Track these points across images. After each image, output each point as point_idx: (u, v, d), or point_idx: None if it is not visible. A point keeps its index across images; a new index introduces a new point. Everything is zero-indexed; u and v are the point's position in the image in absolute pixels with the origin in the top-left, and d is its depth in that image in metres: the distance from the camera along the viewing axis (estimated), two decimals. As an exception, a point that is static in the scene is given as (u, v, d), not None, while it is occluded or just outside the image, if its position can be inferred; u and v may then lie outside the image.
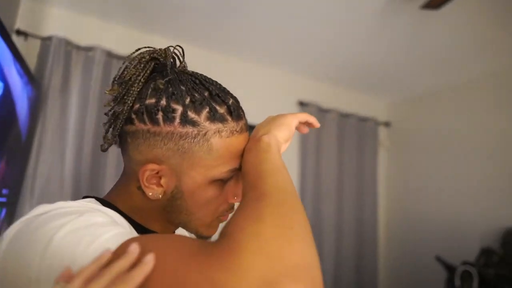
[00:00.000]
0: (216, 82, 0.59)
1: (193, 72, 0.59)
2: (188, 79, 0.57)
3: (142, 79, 0.56)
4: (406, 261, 2.94)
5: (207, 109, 0.54)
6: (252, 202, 0.45)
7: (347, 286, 2.83)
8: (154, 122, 0.53)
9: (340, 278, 2.82)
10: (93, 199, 0.58)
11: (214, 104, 0.55)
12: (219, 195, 0.59)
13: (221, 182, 0.58)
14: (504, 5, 1.86)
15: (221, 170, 0.56)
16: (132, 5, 2.08)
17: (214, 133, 0.54)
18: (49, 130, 1.98)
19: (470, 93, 2.72)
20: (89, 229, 0.43)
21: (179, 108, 0.53)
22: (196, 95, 0.55)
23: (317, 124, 0.73)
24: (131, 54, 0.58)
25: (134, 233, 0.50)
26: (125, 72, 0.56)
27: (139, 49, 0.59)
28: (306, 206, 2.74)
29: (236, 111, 0.57)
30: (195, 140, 0.54)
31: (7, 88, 1.39)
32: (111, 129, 0.58)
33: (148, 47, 0.59)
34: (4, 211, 1.65)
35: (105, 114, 0.59)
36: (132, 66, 0.56)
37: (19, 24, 1.98)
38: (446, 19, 1.97)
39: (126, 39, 2.31)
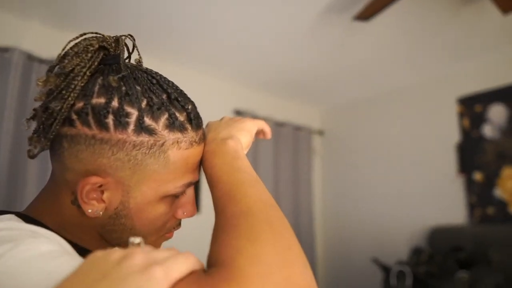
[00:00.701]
0: (174, 84, 0.51)
1: (147, 69, 0.51)
2: (144, 78, 0.48)
3: (87, 72, 0.46)
4: (343, 264, 3.04)
5: (166, 116, 0.46)
6: (239, 218, 0.41)
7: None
8: (102, 126, 0.44)
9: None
10: (13, 216, 0.47)
11: (173, 110, 0.47)
12: (169, 211, 0.52)
13: (173, 197, 0.51)
14: (422, 24, 2.03)
15: (176, 184, 0.49)
16: (53, 1, 1.92)
17: (173, 143, 0.47)
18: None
19: (398, 101, 2.92)
20: (36, 262, 0.34)
21: (134, 113, 0.44)
22: (154, 98, 0.46)
23: (269, 135, 0.68)
24: (74, 38, 0.48)
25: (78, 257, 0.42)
26: (66, 61, 0.45)
27: (84, 33, 0.49)
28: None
29: (196, 119, 0.50)
30: (150, 151, 0.45)
31: None
32: (41, 130, 0.46)
33: (96, 33, 0.49)
34: None
35: (34, 110, 0.48)
36: (74, 53, 0.46)
37: None
38: (375, 32, 2.09)
39: (47, 40, 2.12)
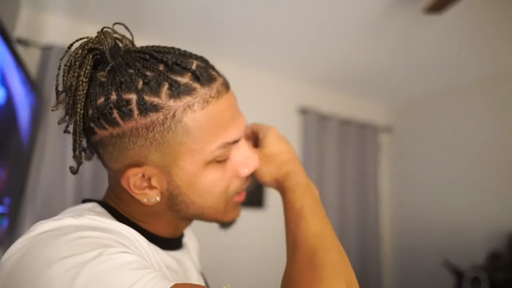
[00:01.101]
0: (173, 48, 0.48)
1: (142, 47, 0.49)
2: (136, 58, 0.46)
3: (84, 79, 0.46)
4: (411, 268, 2.92)
5: (166, 86, 0.44)
6: (320, 272, 0.42)
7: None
8: (113, 123, 0.44)
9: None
10: (96, 205, 0.51)
11: (173, 77, 0.45)
12: (223, 175, 0.51)
13: (218, 163, 0.50)
14: (497, 12, 1.87)
15: (211, 149, 0.47)
16: (132, 11, 2.07)
17: (184, 110, 0.44)
18: (50, 139, 1.96)
19: (472, 94, 2.72)
20: (117, 274, 0.37)
21: (133, 97, 0.44)
22: (149, 73, 0.44)
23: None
24: (64, 53, 0.49)
25: (152, 257, 0.47)
26: (64, 78, 0.46)
27: (71, 45, 0.49)
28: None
29: (204, 74, 0.47)
30: (165, 126, 0.44)
31: (9, 95, 1.37)
32: (77, 146, 0.49)
33: (81, 38, 0.48)
34: (5, 222, 1.62)
35: (65, 132, 0.50)
36: (67, 68, 0.46)
37: (19, 32, 1.97)
38: (445, 23, 1.98)
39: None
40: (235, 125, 0.50)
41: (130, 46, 0.51)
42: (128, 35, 0.53)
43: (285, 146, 0.59)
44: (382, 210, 3.16)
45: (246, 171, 0.54)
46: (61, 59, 0.49)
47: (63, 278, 0.35)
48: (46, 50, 2.01)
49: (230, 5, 1.94)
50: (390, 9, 1.89)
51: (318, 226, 0.48)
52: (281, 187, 0.55)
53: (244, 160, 0.53)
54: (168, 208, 0.51)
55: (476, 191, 2.58)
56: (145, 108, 0.43)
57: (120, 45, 0.49)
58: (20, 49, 1.94)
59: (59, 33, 2.09)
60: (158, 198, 0.48)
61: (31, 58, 1.98)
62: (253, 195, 2.59)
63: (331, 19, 2.04)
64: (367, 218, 3.02)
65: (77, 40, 0.48)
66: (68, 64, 0.46)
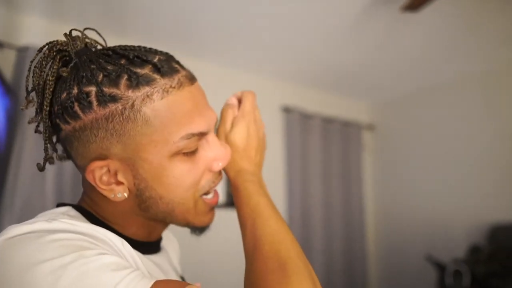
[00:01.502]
0: (139, 46, 0.48)
1: (109, 46, 0.49)
2: (99, 55, 0.47)
3: (51, 78, 0.46)
4: (395, 261, 2.96)
5: (125, 77, 0.44)
6: (286, 278, 0.41)
7: (339, 285, 2.82)
8: (74, 116, 0.45)
9: (331, 282, 2.81)
10: (70, 208, 0.50)
11: (132, 69, 0.45)
12: (192, 168, 0.49)
13: (185, 155, 0.48)
14: (475, 10, 1.91)
15: (174, 139, 0.46)
16: (109, 10, 2.04)
17: (143, 100, 0.44)
18: (28, 142, 1.91)
19: (453, 92, 2.78)
20: (98, 276, 0.36)
21: (92, 89, 0.44)
22: (110, 67, 0.45)
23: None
24: (35, 55, 0.49)
25: (130, 259, 0.46)
26: (33, 79, 0.47)
27: (42, 47, 0.49)
28: (294, 213, 2.73)
29: (165, 66, 0.46)
30: (124, 117, 0.44)
31: (-17, 98, 1.33)
32: (46, 144, 0.49)
33: (52, 41, 0.49)
34: (-19, 228, 1.58)
35: (36, 131, 0.51)
36: (36, 69, 0.47)
37: (-6, 33, 1.92)
38: (423, 22, 2.01)
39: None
40: (201, 117, 0.49)
41: (91, 41, 0.51)
42: (100, 40, 0.53)
43: (249, 140, 0.58)
44: (367, 207, 3.19)
45: (219, 165, 0.53)
46: (31, 61, 0.49)
47: (44, 283, 0.35)
48: (22, 51, 1.96)
49: (213, 6, 1.93)
50: (369, 8, 1.91)
51: (276, 225, 0.47)
52: (234, 183, 0.55)
53: (216, 154, 0.52)
54: (138, 206, 0.50)
55: (457, 186, 2.63)
56: (104, 100, 0.44)
57: (92, 49, 0.49)
58: (-7, 51, 1.89)
59: (35, 34, 2.04)
60: (125, 194, 0.47)
61: (6, 60, 1.93)
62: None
63: (311, 20, 2.05)
64: (352, 215, 3.04)
65: (47, 44, 0.48)
66: (37, 65, 0.47)
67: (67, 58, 0.48)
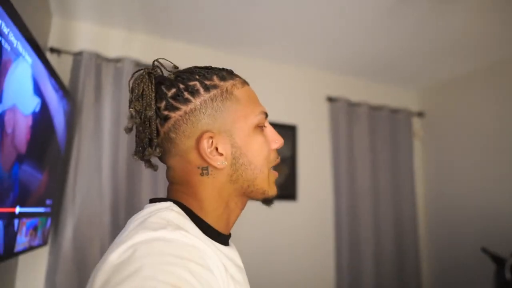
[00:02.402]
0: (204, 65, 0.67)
1: (183, 68, 0.68)
2: (183, 70, 0.66)
3: (152, 87, 0.62)
4: (449, 254, 2.83)
5: (215, 75, 0.64)
6: None
7: (389, 284, 2.76)
8: (186, 101, 0.61)
9: (381, 276, 2.75)
10: (171, 204, 0.60)
11: (216, 71, 0.65)
12: (264, 140, 0.66)
13: (260, 128, 0.66)
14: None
15: (255, 114, 0.65)
16: (153, 14, 2.12)
17: (232, 86, 0.64)
18: (85, 142, 2.05)
19: (504, 74, 2.59)
20: None
21: (196, 83, 0.62)
22: (201, 72, 0.64)
23: None
24: (130, 79, 0.66)
25: (219, 262, 0.55)
26: (136, 90, 0.62)
27: (133, 74, 0.67)
28: (341, 204, 2.70)
29: (232, 72, 0.67)
30: (223, 97, 0.62)
31: (44, 103, 1.45)
32: (149, 140, 0.63)
33: (138, 70, 0.66)
34: (49, 221, 1.72)
35: (126, 130, 0.65)
36: (138, 83, 0.63)
37: (51, 41, 2.07)
38: (467, 2, 1.88)
39: (151, 48, 2.36)
40: (261, 104, 0.68)
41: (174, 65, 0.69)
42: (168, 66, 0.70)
43: None
44: (417, 196, 3.08)
45: (277, 143, 0.68)
46: (129, 81, 0.66)
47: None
48: (77, 56, 2.09)
49: (253, 5, 1.95)
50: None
51: None
52: None
53: (273, 136, 0.69)
54: (229, 178, 0.63)
55: (516, 175, 2.46)
56: (207, 87, 0.62)
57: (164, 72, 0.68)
58: (53, 58, 2.03)
59: (87, 40, 2.17)
60: (225, 162, 0.61)
61: (64, 65, 2.07)
62: (287, 188, 2.60)
63: (351, 8, 2.00)
64: (402, 205, 2.95)
65: (137, 71, 0.67)
66: (137, 81, 0.63)
67: (155, 78, 0.64)
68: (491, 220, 2.53)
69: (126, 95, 2.15)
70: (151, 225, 0.52)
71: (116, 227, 2.04)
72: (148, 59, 2.28)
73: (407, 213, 2.95)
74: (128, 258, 0.46)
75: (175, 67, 0.68)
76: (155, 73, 0.64)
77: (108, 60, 2.17)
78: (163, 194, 2.17)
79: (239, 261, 0.67)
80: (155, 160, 0.68)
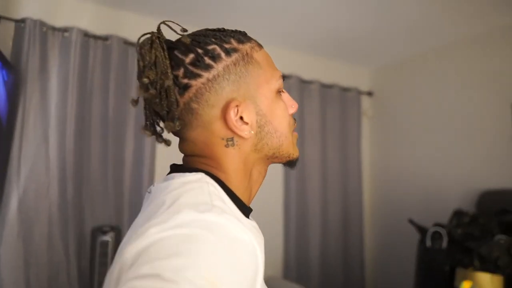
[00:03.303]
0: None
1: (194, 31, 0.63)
2: (196, 33, 0.61)
3: (165, 53, 0.56)
4: (389, 225, 3.06)
5: (232, 38, 0.60)
6: None
7: (335, 249, 2.95)
8: (207, 67, 0.57)
9: (328, 244, 2.93)
10: (203, 175, 0.57)
11: (233, 34, 0.61)
12: (285, 106, 0.64)
13: (279, 93, 0.64)
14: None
15: (276, 78, 0.63)
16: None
17: (251, 49, 0.61)
18: (31, 113, 2.00)
19: (450, 57, 2.75)
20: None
21: (216, 47, 0.58)
22: (216, 33, 0.60)
23: None
24: (137, 42, 0.58)
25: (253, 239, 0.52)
26: (147, 57, 0.56)
27: (139, 38, 0.59)
28: (291, 178, 2.82)
29: (246, 34, 0.64)
30: (245, 61, 0.59)
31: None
32: (167, 113, 0.57)
33: (143, 34, 0.59)
34: (-10, 194, 1.71)
35: (133, 102, 0.61)
36: (147, 49, 0.56)
37: (-9, 7, 1.97)
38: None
39: (101, 18, 2.30)
40: (277, 70, 0.66)
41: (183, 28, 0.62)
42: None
43: None
44: (364, 171, 3.26)
45: (293, 108, 0.66)
46: (136, 46, 0.58)
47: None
48: (20, 23, 2.01)
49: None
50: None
51: None
52: None
53: (290, 102, 0.66)
54: (254, 147, 0.60)
55: (452, 152, 2.67)
56: (228, 51, 0.58)
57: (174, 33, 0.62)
58: (-7, 24, 1.95)
59: (31, 6, 2.09)
60: (252, 132, 0.59)
61: (4, 33, 1.99)
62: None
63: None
64: (349, 179, 3.11)
65: (145, 34, 0.59)
66: (145, 47, 0.56)
67: (164, 42, 0.58)
68: (430, 195, 2.74)
69: (74, 67, 2.11)
70: (195, 204, 0.50)
71: (64, 199, 2.05)
72: (98, 30, 2.23)
73: (353, 188, 3.13)
74: (169, 238, 0.44)
75: (184, 30, 0.61)
76: (162, 37, 0.58)
77: (55, 29, 2.10)
78: (111, 164, 2.19)
79: (261, 236, 0.64)
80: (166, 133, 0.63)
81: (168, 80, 0.55)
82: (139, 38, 0.58)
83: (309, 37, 2.75)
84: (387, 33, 2.64)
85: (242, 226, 0.51)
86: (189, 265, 0.41)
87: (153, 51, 0.55)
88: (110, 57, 2.24)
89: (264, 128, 0.60)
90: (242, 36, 0.62)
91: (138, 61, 0.56)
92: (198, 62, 0.56)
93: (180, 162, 0.68)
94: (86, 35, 2.17)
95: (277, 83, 0.62)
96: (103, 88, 2.22)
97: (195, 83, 0.56)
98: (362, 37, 2.70)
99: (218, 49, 0.57)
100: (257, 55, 0.61)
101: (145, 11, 2.37)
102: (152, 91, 0.55)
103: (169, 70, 0.55)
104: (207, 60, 0.56)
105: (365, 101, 3.33)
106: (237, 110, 0.57)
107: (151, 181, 2.28)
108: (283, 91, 0.65)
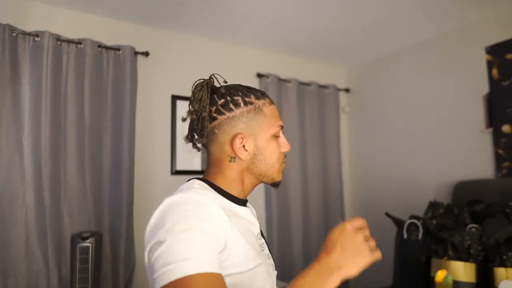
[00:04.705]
0: (244, 85, 0.92)
1: (231, 84, 0.92)
2: (232, 85, 0.90)
3: (208, 94, 0.86)
4: (369, 217, 3.09)
5: (253, 94, 0.88)
6: None
7: (317, 245, 2.98)
8: (230, 110, 0.85)
9: (309, 241, 2.97)
10: (197, 180, 0.86)
11: (253, 91, 0.89)
12: (277, 146, 0.90)
13: (275, 138, 0.90)
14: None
15: (275, 126, 0.89)
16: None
17: (263, 104, 0.88)
18: (2, 121, 1.97)
19: (423, 54, 2.82)
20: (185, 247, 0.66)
21: (239, 97, 0.86)
22: (243, 89, 0.88)
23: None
24: (193, 85, 0.89)
25: (223, 214, 0.75)
26: (196, 94, 0.87)
27: (195, 82, 0.89)
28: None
29: (265, 93, 0.92)
30: (255, 111, 0.87)
31: None
32: (199, 133, 0.87)
33: (198, 79, 0.89)
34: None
35: (191, 126, 0.89)
36: (198, 90, 0.87)
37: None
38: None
39: (74, 23, 2.28)
40: (280, 120, 0.92)
41: (224, 83, 0.94)
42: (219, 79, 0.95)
43: (337, 244, 0.72)
44: (343, 167, 3.30)
45: (285, 149, 0.92)
46: (192, 87, 0.89)
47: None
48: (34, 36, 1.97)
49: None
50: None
51: None
52: (316, 260, 0.74)
53: (284, 143, 0.92)
54: (247, 167, 0.88)
55: (426, 147, 2.74)
56: (246, 102, 0.86)
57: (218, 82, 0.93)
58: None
59: (0, 11, 2.05)
60: (248, 156, 0.86)
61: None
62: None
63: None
64: (329, 175, 3.16)
65: (197, 80, 0.89)
66: (197, 88, 0.87)
67: (211, 87, 0.89)
68: (408, 188, 2.81)
69: (46, 72, 2.08)
70: (180, 190, 0.81)
71: (41, 206, 2.02)
72: (71, 35, 2.21)
73: (333, 183, 3.18)
74: (161, 211, 0.73)
75: (225, 81, 0.93)
76: (210, 83, 0.88)
77: (25, 33, 2.07)
78: (88, 170, 2.16)
79: (251, 218, 0.91)
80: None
81: (204, 112, 0.85)
82: (195, 82, 0.88)
83: (286, 39, 2.78)
84: (361, 32, 2.68)
85: (208, 199, 0.75)
86: (171, 225, 0.68)
87: (201, 92, 0.86)
88: (84, 61, 2.22)
89: (257, 156, 0.87)
90: (260, 94, 0.89)
91: (192, 94, 0.88)
92: (225, 105, 0.85)
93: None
94: (59, 39, 2.14)
95: (275, 130, 0.89)
96: (78, 93, 2.20)
97: (220, 118, 0.85)
98: (337, 36, 2.74)
99: (240, 100, 0.86)
100: (266, 109, 0.88)
101: (118, 16, 2.36)
102: (194, 116, 0.86)
103: (207, 106, 0.85)
104: (231, 105, 0.85)
105: (343, 98, 3.38)
106: (242, 140, 0.85)
107: (130, 186, 2.27)
108: (279, 136, 0.91)
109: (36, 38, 2.09)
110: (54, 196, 2.07)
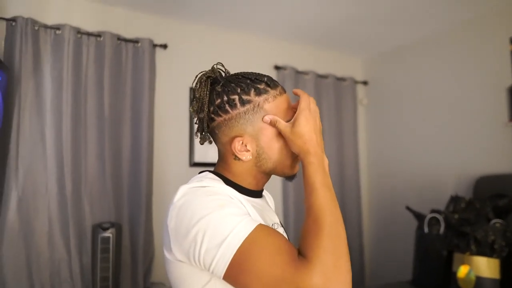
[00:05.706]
0: (252, 72, 0.83)
1: (236, 72, 0.85)
2: (233, 78, 0.82)
3: (207, 92, 0.82)
4: (387, 212, 3.08)
5: (253, 90, 0.79)
6: (319, 231, 0.69)
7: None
8: (226, 112, 0.80)
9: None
10: (209, 173, 0.85)
11: (256, 85, 0.80)
12: (285, 145, 0.82)
13: (280, 135, 0.81)
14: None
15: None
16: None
17: (264, 101, 0.79)
18: (26, 112, 2.01)
19: (444, 44, 2.75)
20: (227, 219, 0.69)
21: (236, 97, 0.79)
22: (242, 84, 0.80)
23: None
24: (194, 80, 0.84)
25: (245, 204, 0.77)
26: (196, 93, 0.83)
27: (197, 76, 0.84)
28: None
29: (271, 83, 0.82)
30: (254, 111, 0.79)
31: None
32: (202, 132, 0.85)
33: (202, 71, 0.84)
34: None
35: (195, 123, 0.87)
36: (198, 87, 0.83)
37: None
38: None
39: (93, 15, 2.29)
40: (290, 113, 0.83)
41: (227, 73, 0.87)
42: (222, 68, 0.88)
43: (309, 127, 0.80)
44: (360, 160, 3.27)
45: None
46: (193, 82, 0.84)
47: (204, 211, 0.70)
48: (11, 22, 2.00)
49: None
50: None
51: (324, 198, 0.73)
52: (302, 163, 0.80)
53: None
54: (255, 165, 0.83)
55: (446, 140, 2.68)
56: (243, 102, 0.79)
57: (222, 73, 0.86)
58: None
59: (21, 5, 2.07)
60: (250, 157, 0.81)
61: (-3, 33, 1.98)
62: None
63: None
64: (346, 168, 3.12)
65: (201, 72, 0.84)
66: (197, 85, 0.82)
67: (212, 79, 0.83)
68: (428, 181, 2.76)
69: (67, 64, 2.11)
70: (192, 181, 0.79)
71: (63, 196, 2.05)
72: (91, 27, 2.23)
73: (350, 176, 3.15)
74: (186, 194, 0.74)
75: (228, 72, 0.86)
76: (213, 75, 0.83)
77: (47, 27, 2.09)
78: (108, 161, 2.19)
79: (265, 208, 0.89)
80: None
81: (202, 113, 0.82)
82: (197, 75, 0.83)
83: (304, 29, 2.75)
84: (379, 22, 2.63)
85: (219, 189, 0.76)
86: (199, 216, 0.68)
87: (200, 90, 0.82)
88: (104, 54, 2.24)
89: (261, 155, 0.82)
90: (265, 86, 0.80)
91: (193, 91, 0.83)
92: (221, 107, 0.80)
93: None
94: (79, 32, 2.16)
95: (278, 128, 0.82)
96: (97, 85, 2.22)
97: (217, 119, 0.81)
98: (356, 26, 2.70)
99: (236, 100, 0.79)
100: (268, 105, 0.80)
101: (136, 7, 2.36)
102: (195, 116, 0.84)
103: (205, 106, 0.81)
104: (227, 107, 0.79)
105: (360, 90, 3.34)
106: (242, 142, 0.80)
107: (149, 177, 2.29)
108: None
109: (57, 31, 2.11)
110: (75, 186, 2.11)
